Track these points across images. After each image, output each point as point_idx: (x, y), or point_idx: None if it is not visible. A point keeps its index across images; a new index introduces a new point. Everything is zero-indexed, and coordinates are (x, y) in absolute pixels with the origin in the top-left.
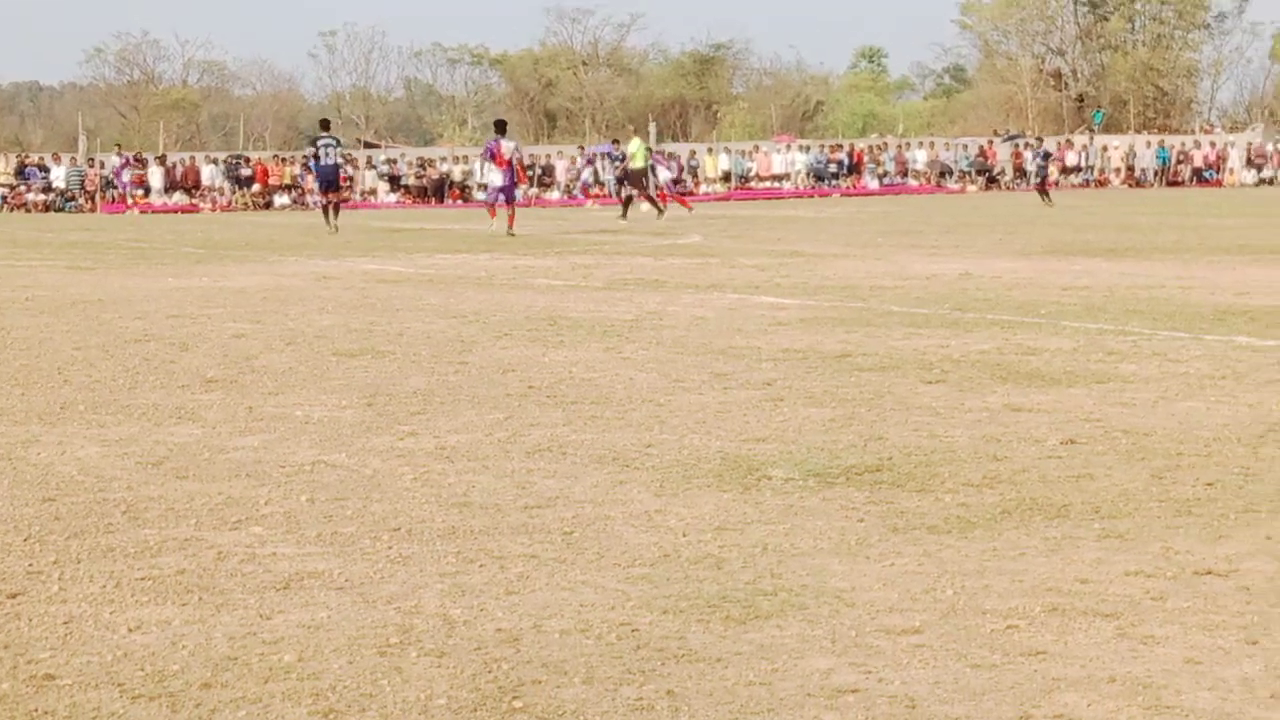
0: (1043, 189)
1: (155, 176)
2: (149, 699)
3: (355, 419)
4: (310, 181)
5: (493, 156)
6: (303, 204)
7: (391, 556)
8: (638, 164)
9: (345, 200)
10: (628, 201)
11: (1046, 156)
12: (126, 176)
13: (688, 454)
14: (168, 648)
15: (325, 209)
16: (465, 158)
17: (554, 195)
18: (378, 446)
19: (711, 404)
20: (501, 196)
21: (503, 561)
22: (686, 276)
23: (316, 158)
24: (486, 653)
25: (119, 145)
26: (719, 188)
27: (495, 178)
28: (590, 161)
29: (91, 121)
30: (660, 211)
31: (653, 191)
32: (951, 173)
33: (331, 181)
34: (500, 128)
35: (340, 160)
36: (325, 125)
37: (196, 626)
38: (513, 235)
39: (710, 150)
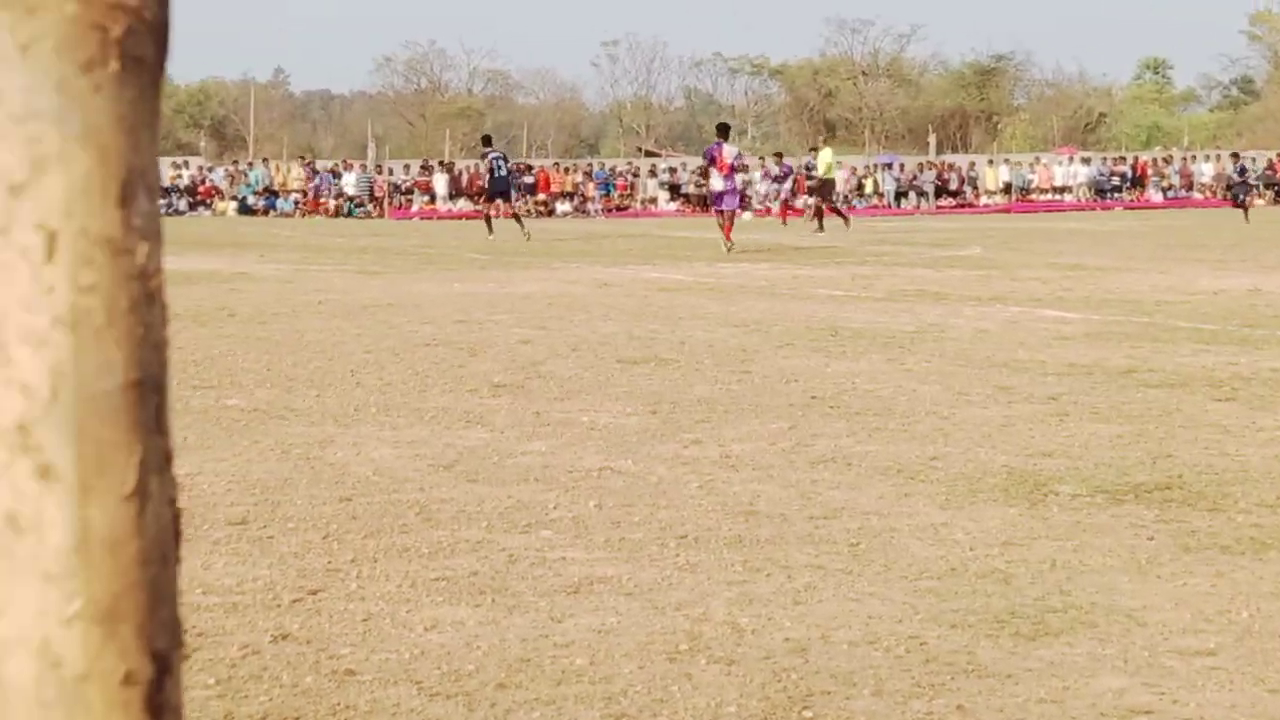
0: (1241, 205)
1: (440, 183)
2: (446, 697)
3: (640, 426)
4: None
5: (713, 161)
6: (584, 211)
7: (679, 563)
8: (824, 174)
9: (518, 212)
10: (818, 212)
11: (1243, 172)
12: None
13: (973, 467)
14: (463, 647)
15: (489, 218)
16: (745, 167)
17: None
18: (663, 454)
19: (996, 417)
20: (723, 203)
21: (789, 571)
22: (967, 288)
23: (491, 171)
24: (775, 662)
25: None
26: (999, 200)
27: (716, 184)
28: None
29: (380, 129)
30: (845, 221)
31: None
32: None
33: (504, 193)
34: (722, 132)
35: (509, 171)
36: (488, 141)
37: (490, 627)
38: (729, 248)
39: (990, 162)
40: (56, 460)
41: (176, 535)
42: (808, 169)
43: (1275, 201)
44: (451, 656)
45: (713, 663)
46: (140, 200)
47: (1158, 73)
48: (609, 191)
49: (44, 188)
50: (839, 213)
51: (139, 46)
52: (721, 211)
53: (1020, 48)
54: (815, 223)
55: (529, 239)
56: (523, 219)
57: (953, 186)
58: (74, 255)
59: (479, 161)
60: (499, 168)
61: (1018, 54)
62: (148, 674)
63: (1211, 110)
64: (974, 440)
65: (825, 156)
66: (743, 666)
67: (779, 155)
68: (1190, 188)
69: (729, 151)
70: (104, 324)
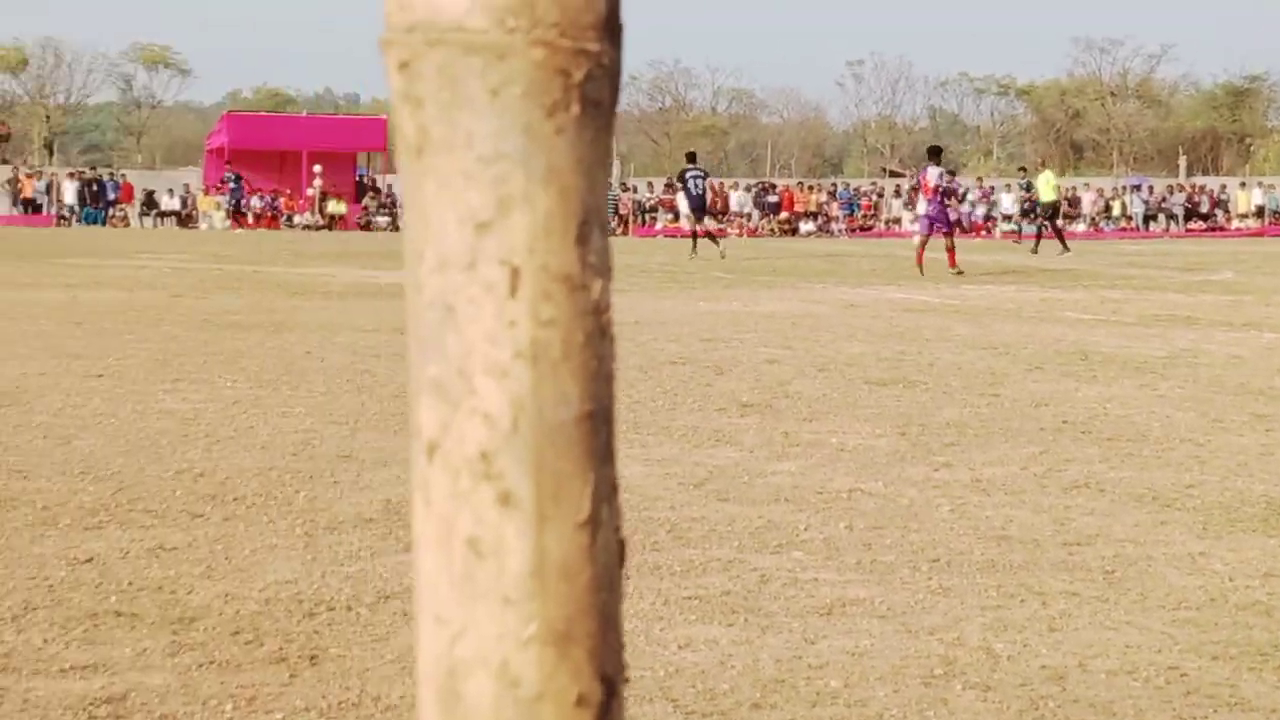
0: None
1: (684, 201)
2: (702, 715)
3: (889, 448)
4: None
5: (920, 185)
6: (827, 231)
7: (931, 587)
8: (1048, 197)
9: (721, 231)
10: (1057, 234)
11: None
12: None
13: (1230, 496)
14: (716, 666)
15: (694, 235)
16: (992, 189)
17: (1079, 227)
18: (913, 476)
19: (1253, 446)
20: (930, 227)
21: (1044, 598)
22: (1219, 314)
23: (686, 189)
24: (1032, 689)
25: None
26: (1251, 223)
27: (921, 207)
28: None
29: (624, 147)
30: (1037, 248)
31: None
32: None
33: (701, 210)
34: (932, 154)
35: (706, 190)
36: (691, 158)
37: (743, 647)
38: (958, 273)
39: (1243, 184)
40: (516, 488)
41: (622, 563)
42: (1026, 188)
43: None
44: (706, 675)
45: (968, 688)
46: (595, 238)
47: None
48: (853, 211)
49: (509, 226)
50: (1040, 236)
51: (597, 90)
52: (938, 232)
53: (1275, 68)
54: (1059, 245)
55: (723, 257)
56: (717, 239)
57: (1203, 209)
58: (535, 291)
59: (723, 180)
60: (696, 186)
61: (1272, 74)
62: (598, 697)
63: None
64: (1231, 469)
65: (1048, 179)
66: (999, 693)
67: (952, 173)
68: None
69: (932, 174)
70: (561, 357)
